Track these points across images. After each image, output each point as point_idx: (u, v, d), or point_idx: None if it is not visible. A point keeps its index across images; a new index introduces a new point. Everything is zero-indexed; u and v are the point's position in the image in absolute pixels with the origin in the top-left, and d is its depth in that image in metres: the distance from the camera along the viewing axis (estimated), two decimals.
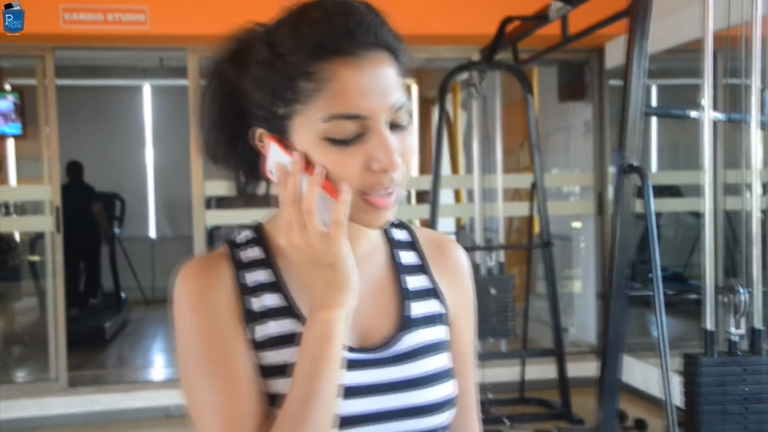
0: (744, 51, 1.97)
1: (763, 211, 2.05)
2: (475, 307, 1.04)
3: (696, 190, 2.31)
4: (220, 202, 6.64)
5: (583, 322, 5.65)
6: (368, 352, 0.93)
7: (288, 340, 0.91)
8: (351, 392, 0.90)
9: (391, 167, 0.85)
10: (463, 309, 1.02)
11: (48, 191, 4.76)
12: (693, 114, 2.04)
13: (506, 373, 4.63)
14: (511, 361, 4.65)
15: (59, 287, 4.83)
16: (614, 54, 4.84)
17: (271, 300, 0.93)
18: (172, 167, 7.95)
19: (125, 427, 4.62)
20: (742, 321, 2.09)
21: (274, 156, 0.89)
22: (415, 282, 0.99)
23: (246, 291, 0.94)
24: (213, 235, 7.85)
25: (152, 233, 9.09)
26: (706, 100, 2.06)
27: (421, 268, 1.00)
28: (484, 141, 4.49)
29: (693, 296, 2.12)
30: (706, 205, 2.06)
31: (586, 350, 5.39)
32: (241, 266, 0.95)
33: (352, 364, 0.91)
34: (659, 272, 2.02)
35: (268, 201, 1.01)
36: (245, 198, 1.01)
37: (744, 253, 2.06)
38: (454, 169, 6.31)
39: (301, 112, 0.86)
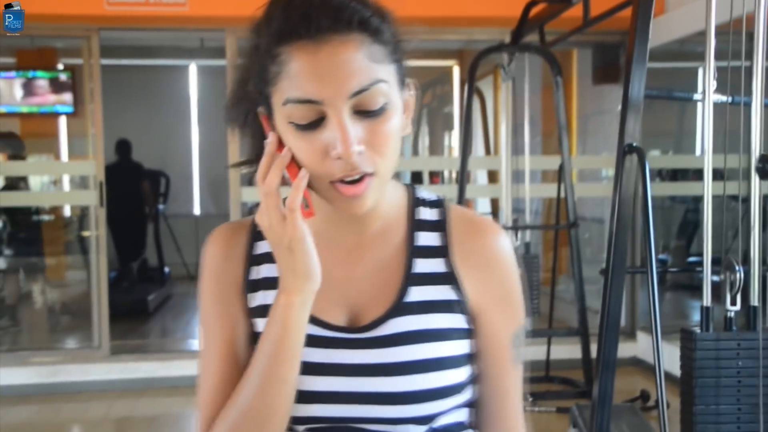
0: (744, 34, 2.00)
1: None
2: (518, 300, 0.96)
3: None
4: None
5: None
6: (350, 332, 0.93)
7: None
8: (318, 369, 0.91)
9: (347, 156, 0.82)
10: (493, 299, 0.94)
11: (92, 166, 4.97)
12: (695, 96, 2.09)
13: (533, 351, 4.71)
14: (538, 340, 4.72)
15: (102, 260, 5.05)
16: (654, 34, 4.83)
17: (267, 271, 0.97)
18: (216, 146, 8.15)
19: (162, 394, 4.82)
20: (738, 298, 2.14)
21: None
22: (426, 266, 0.95)
23: (253, 261, 0.99)
24: (253, 212, 8.06)
25: (196, 210, 9.33)
26: (708, 82, 2.10)
27: (441, 251, 0.95)
28: (517, 123, 4.55)
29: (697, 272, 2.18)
30: (705, 187, 2.12)
31: None
32: (257, 237, 0.98)
33: (327, 342, 0.92)
34: (653, 250, 2.08)
35: None
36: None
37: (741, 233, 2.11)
38: (487, 150, 6.36)
39: (273, 94, 0.87)
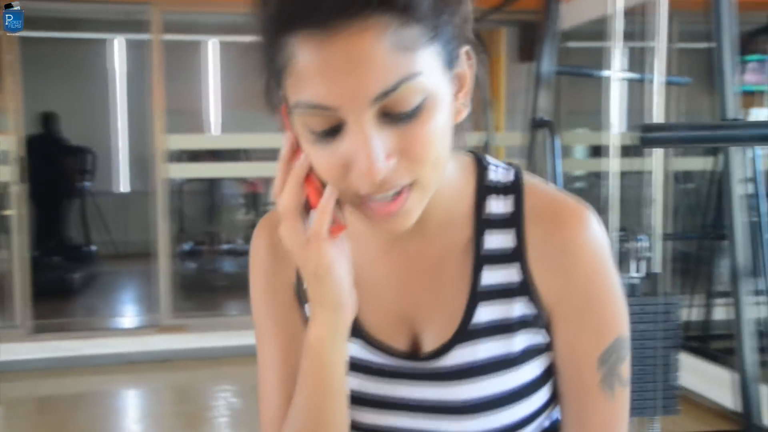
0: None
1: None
2: (607, 309, 0.78)
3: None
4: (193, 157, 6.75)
5: None
6: (413, 360, 0.80)
7: None
8: (379, 404, 0.81)
9: (371, 176, 0.66)
10: (573, 309, 0.77)
11: (11, 142, 4.84)
12: (602, 73, 2.18)
13: None
14: None
15: (23, 237, 4.94)
16: (571, 15, 4.95)
17: None
18: (142, 121, 8.02)
19: (87, 372, 4.77)
20: (643, 266, 2.26)
21: None
22: (496, 276, 0.78)
23: None
24: (183, 189, 7.97)
25: (124, 187, 9.16)
26: (615, 60, 2.20)
27: (514, 255, 0.78)
28: None
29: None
30: (611, 162, 2.22)
31: None
32: None
33: (388, 373, 0.80)
34: None
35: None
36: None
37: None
38: None
39: (285, 89, 0.70)
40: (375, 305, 0.81)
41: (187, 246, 7.88)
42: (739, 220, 2.38)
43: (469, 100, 0.74)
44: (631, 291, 2.30)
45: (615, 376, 0.78)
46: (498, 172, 0.81)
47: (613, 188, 2.24)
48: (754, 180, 2.22)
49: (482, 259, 0.78)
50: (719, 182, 3.87)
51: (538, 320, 0.78)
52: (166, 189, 5.15)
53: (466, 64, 0.73)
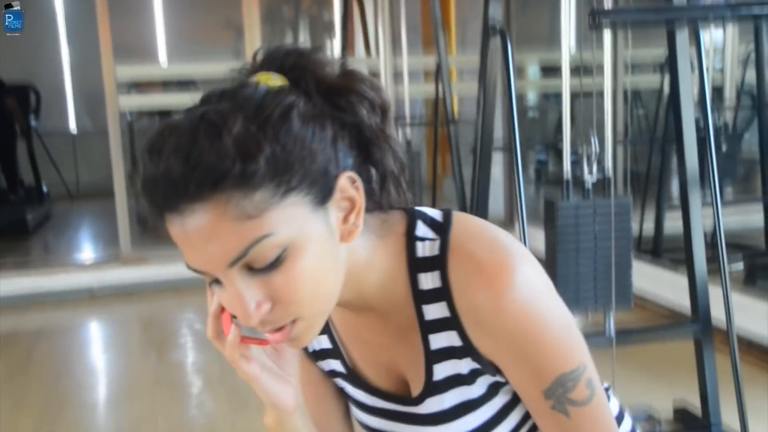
0: None
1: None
2: (540, 355, 0.82)
3: None
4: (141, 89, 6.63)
5: (494, 196, 5.95)
6: (406, 405, 0.93)
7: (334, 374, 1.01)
8: None
9: (247, 323, 0.76)
10: (508, 361, 0.84)
11: None
12: None
13: None
14: None
15: None
16: None
17: (317, 343, 0.99)
18: (89, 58, 7.81)
19: (48, 308, 4.76)
20: (595, 169, 2.34)
21: None
22: (441, 341, 0.86)
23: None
24: (133, 129, 7.84)
25: (73, 127, 8.97)
26: None
27: (451, 323, 0.84)
28: (395, 25, 4.60)
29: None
30: (564, 75, 2.27)
31: (494, 222, 5.74)
32: None
33: (392, 415, 0.94)
34: (516, 129, 2.22)
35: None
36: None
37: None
38: (367, 51, 6.41)
39: None
40: (370, 363, 0.94)
41: None
42: (690, 129, 2.46)
43: (361, 220, 0.79)
44: (586, 194, 2.38)
45: (565, 403, 0.84)
46: (425, 247, 0.85)
47: (565, 94, 2.30)
48: (701, 92, 2.29)
49: (426, 327, 0.86)
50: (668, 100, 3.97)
51: (489, 370, 0.86)
52: (117, 122, 5.07)
53: (351, 188, 0.78)
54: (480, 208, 2.51)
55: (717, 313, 2.30)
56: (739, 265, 4.41)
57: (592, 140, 2.30)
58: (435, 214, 0.87)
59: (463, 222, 0.86)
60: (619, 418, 1.02)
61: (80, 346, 4.17)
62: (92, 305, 4.82)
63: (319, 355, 1.00)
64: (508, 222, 5.86)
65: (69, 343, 4.15)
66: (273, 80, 0.77)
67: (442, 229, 0.85)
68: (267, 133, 0.71)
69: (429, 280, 0.84)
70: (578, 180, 2.41)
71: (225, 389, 3.30)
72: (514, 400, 0.90)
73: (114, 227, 5.24)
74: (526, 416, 0.91)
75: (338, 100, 0.78)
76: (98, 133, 8.58)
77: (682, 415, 2.73)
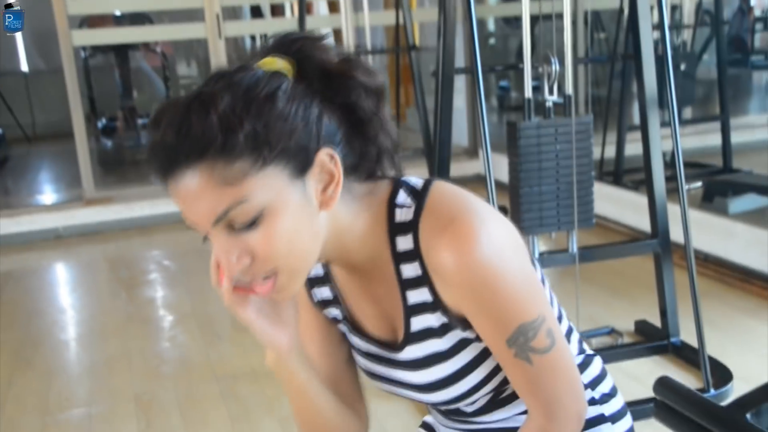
0: None
1: None
2: (501, 308, 0.90)
3: None
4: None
5: (458, 126, 5.97)
6: (390, 351, 1.03)
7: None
8: (381, 378, 1.07)
9: (227, 273, 0.87)
10: (471, 313, 0.92)
11: None
12: None
13: None
14: None
15: None
16: None
17: (320, 293, 1.10)
18: None
19: (13, 251, 4.72)
20: (556, 89, 2.36)
21: None
22: (416, 296, 0.96)
23: (311, 284, 1.10)
24: (89, 65, 7.65)
25: (24, 66, 8.72)
26: None
27: (423, 280, 0.94)
28: None
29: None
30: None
31: (459, 152, 5.79)
32: (312, 283, 1.10)
33: (381, 360, 1.05)
34: (477, 47, 2.22)
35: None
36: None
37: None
38: None
39: None
40: (364, 313, 1.05)
41: (100, 123, 7.67)
42: (649, 49, 2.48)
43: (339, 191, 0.89)
44: (547, 114, 2.40)
45: (527, 351, 0.92)
46: (402, 212, 0.94)
47: (525, 15, 2.30)
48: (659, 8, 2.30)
49: (404, 284, 0.96)
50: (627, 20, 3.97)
51: (456, 324, 0.95)
52: (72, 58, 4.94)
53: (329, 163, 0.88)
54: (443, 137, 2.52)
55: (676, 230, 2.37)
56: (698, 184, 4.51)
57: (552, 61, 2.31)
58: (417, 182, 0.97)
59: (439, 190, 0.94)
60: (602, 376, 1.12)
61: (49, 287, 4.16)
62: (58, 247, 4.79)
63: (322, 304, 1.10)
64: (472, 151, 5.88)
65: (38, 284, 4.14)
66: (277, 63, 0.88)
67: (419, 195, 0.94)
68: (250, 112, 0.82)
69: (405, 243, 0.94)
70: (541, 104, 2.43)
71: (197, 323, 3.34)
72: (484, 355, 0.98)
73: (75, 168, 5.17)
74: (496, 369, 0.99)
75: (336, 83, 0.89)
76: (52, 71, 8.36)
77: (643, 327, 2.84)
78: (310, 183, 0.87)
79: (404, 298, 0.96)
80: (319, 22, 6.22)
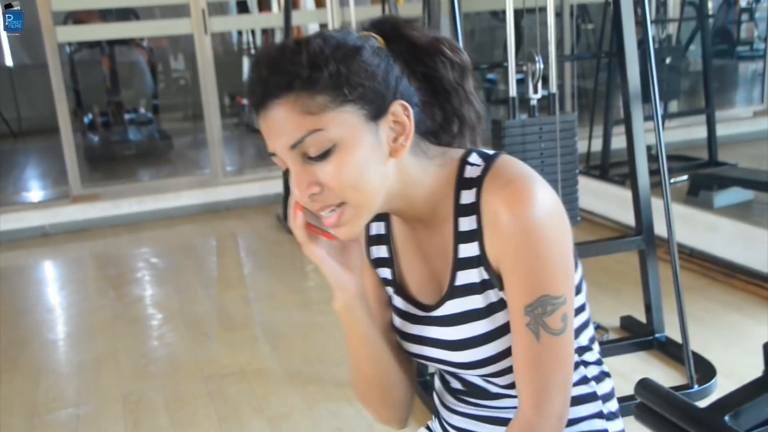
0: None
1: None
2: (535, 273, 0.95)
3: None
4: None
5: None
6: (425, 310, 1.08)
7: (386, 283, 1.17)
8: (412, 339, 1.11)
9: (299, 198, 0.95)
10: (508, 268, 0.97)
11: None
12: None
13: None
14: None
15: None
16: None
17: (376, 251, 1.16)
18: None
19: (1, 249, 4.70)
20: (540, 87, 2.36)
21: None
22: (467, 250, 1.01)
23: (370, 242, 1.17)
24: (74, 60, 7.60)
25: (9, 61, 8.65)
26: None
27: (475, 234, 0.99)
28: None
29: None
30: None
31: None
32: (375, 218, 1.10)
33: (414, 319, 1.10)
34: (460, 37, 2.23)
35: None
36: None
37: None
38: None
39: None
40: (412, 273, 1.11)
41: (87, 119, 7.62)
42: (632, 43, 2.49)
43: (409, 142, 0.97)
44: (531, 112, 2.41)
45: (540, 325, 0.96)
46: (471, 170, 1.00)
47: (509, 14, 2.30)
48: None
49: (458, 237, 1.01)
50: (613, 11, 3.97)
51: (495, 282, 1.00)
52: (57, 55, 4.92)
53: (402, 114, 0.96)
54: None
55: (662, 225, 2.38)
56: (684, 177, 4.53)
57: (536, 58, 2.32)
58: (489, 151, 1.04)
59: (508, 158, 1.01)
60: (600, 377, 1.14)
61: (37, 285, 4.15)
62: (45, 244, 4.78)
63: (376, 262, 1.17)
64: None
65: (25, 283, 4.12)
66: (370, 34, 0.98)
67: (489, 159, 1.00)
68: (337, 56, 0.91)
69: (468, 196, 1.00)
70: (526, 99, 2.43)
71: (185, 321, 3.34)
72: (508, 327, 1.01)
73: (62, 164, 5.15)
74: None
75: (421, 55, 1.00)
76: (37, 66, 8.30)
77: (628, 323, 2.86)
78: (382, 129, 0.95)
79: (456, 252, 1.02)
80: (306, 17, 6.21)
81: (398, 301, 1.13)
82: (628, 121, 2.51)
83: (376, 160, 0.95)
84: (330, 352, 2.90)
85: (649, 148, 5.36)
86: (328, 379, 2.68)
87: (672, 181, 4.81)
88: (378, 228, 1.15)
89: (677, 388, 2.33)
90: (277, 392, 2.61)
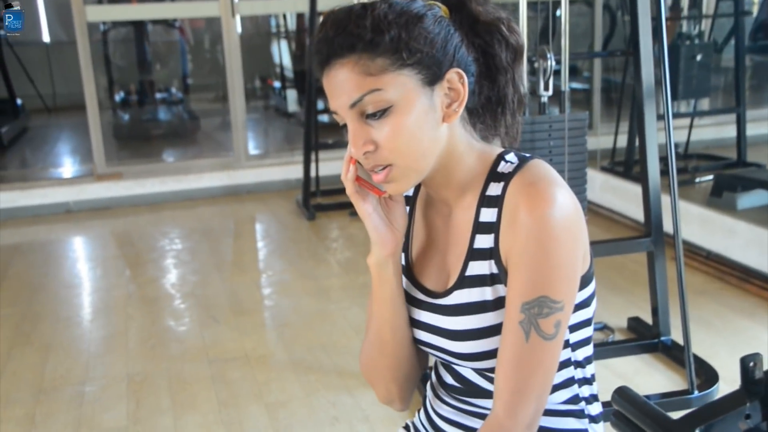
0: None
1: None
2: (540, 271, 0.97)
3: None
4: None
5: None
6: (433, 297, 1.10)
7: None
8: (416, 324, 1.13)
9: (354, 153, 1.00)
10: (514, 261, 0.99)
11: None
12: None
13: None
14: None
15: None
16: None
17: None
18: None
19: (24, 224, 4.79)
20: (551, 84, 2.33)
21: None
22: (483, 241, 1.03)
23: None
24: (108, 38, 7.69)
25: (46, 37, 8.77)
26: None
27: (494, 227, 1.02)
28: None
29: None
30: None
31: None
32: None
33: (422, 305, 1.12)
34: None
35: None
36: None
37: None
38: None
39: None
40: (424, 259, 1.14)
41: (118, 97, 7.71)
42: (648, 41, 2.44)
43: (461, 107, 1.01)
44: (542, 109, 2.38)
45: (533, 325, 0.97)
46: (505, 166, 1.04)
47: (522, 11, 2.27)
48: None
49: (477, 228, 1.04)
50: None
51: (503, 277, 1.02)
52: (86, 33, 4.97)
53: (458, 82, 1.00)
54: None
55: (683, 227, 2.32)
56: (709, 177, 4.46)
57: (548, 55, 2.29)
58: (526, 154, 1.07)
59: (541, 162, 1.04)
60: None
61: (55, 261, 4.22)
62: (67, 221, 4.85)
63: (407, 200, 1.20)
64: None
65: (44, 259, 4.19)
66: (435, 3, 1.01)
67: (523, 159, 1.04)
68: (399, 21, 0.96)
69: (495, 189, 1.03)
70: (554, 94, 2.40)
71: (197, 304, 3.37)
72: None
73: (88, 141, 5.22)
74: None
75: (481, 29, 1.03)
76: (73, 43, 8.36)
77: (635, 325, 2.82)
78: (438, 94, 0.99)
79: (472, 241, 1.05)
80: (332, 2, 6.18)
81: (407, 284, 1.15)
82: (640, 120, 2.47)
83: (429, 123, 0.99)
84: (335, 341, 2.91)
85: (675, 146, 5.29)
86: (330, 368, 2.70)
87: (697, 180, 4.75)
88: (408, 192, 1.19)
89: (678, 393, 2.31)
90: (279, 379, 2.63)
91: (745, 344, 2.68)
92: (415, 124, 0.97)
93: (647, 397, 2.26)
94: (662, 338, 2.61)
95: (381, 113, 0.96)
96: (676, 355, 2.54)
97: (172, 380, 2.66)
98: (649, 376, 2.51)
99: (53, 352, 2.94)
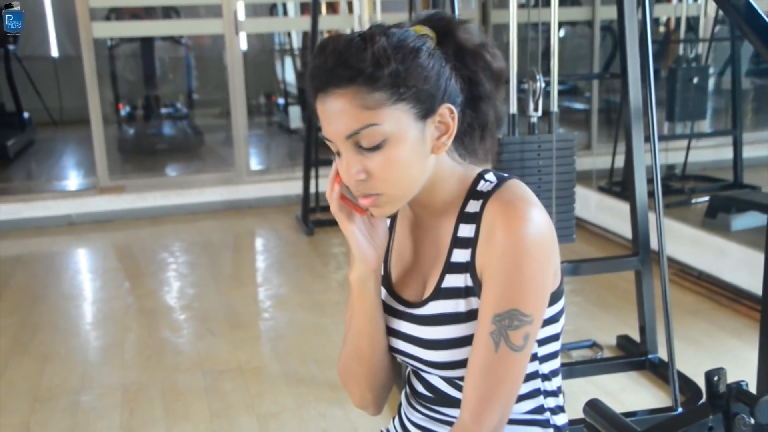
0: None
1: None
2: (513, 284, 1.01)
3: None
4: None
5: None
6: (409, 307, 1.14)
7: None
8: (392, 333, 1.17)
9: (345, 180, 1.05)
10: (488, 273, 1.03)
11: None
12: None
13: None
14: None
15: None
16: None
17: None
18: None
19: (26, 235, 4.85)
20: (540, 105, 2.38)
21: None
22: (460, 256, 1.08)
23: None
24: (114, 53, 7.78)
25: (54, 51, 8.88)
26: None
27: (471, 242, 1.07)
28: None
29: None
30: (511, 12, 2.29)
31: None
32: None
33: (398, 314, 1.16)
34: None
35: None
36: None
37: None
38: None
39: None
40: (402, 271, 1.18)
41: (123, 111, 7.79)
42: (635, 64, 2.49)
43: (450, 141, 1.05)
44: (531, 129, 2.43)
45: (503, 336, 1.02)
46: (485, 185, 1.09)
47: (512, 33, 2.33)
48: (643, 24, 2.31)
49: (455, 242, 1.09)
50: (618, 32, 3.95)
51: (477, 290, 1.06)
52: (91, 49, 5.05)
53: (448, 116, 1.04)
54: None
55: (674, 248, 2.36)
56: (705, 198, 4.49)
57: (537, 77, 2.34)
58: (505, 174, 1.13)
59: (518, 182, 1.09)
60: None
61: (56, 273, 4.27)
62: (70, 233, 4.91)
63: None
64: None
65: (45, 270, 4.24)
66: (424, 30, 1.04)
67: (502, 179, 1.10)
68: (398, 57, 0.98)
69: (474, 206, 1.08)
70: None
71: (193, 316, 3.42)
72: None
73: (92, 154, 5.28)
74: None
75: (468, 62, 1.05)
76: (80, 57, 8.45)
77: (624, 342, 2.86)
78: (429, 128, 1.03)
79: (449, 255, 1.09)
80: (333, 22, 6.26)
81: (384, 294, 1.20)
82: (628, 142, 2.52)
83: (420, 156, 1.03)
84: (328, 354, 2.95)
85: (673, 167, 5.31)
86: (321, 381, 2.73)
87: (693, 201, 4.79)
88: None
89: (662, 410, 2.34)
90: (271, 391, 2.67)
91: (732, 363, 2.71)
92: (407, 157, 1.01)
93: (633, 413, 2.30)
94: (649, 356, 2.64)
95: (376, 146, 1.00)
96: (662, 372, 2.57)
97: (166, 391, 2.70)
98: (635, 393, 2.54)
99: (50, 362, 2.99)
